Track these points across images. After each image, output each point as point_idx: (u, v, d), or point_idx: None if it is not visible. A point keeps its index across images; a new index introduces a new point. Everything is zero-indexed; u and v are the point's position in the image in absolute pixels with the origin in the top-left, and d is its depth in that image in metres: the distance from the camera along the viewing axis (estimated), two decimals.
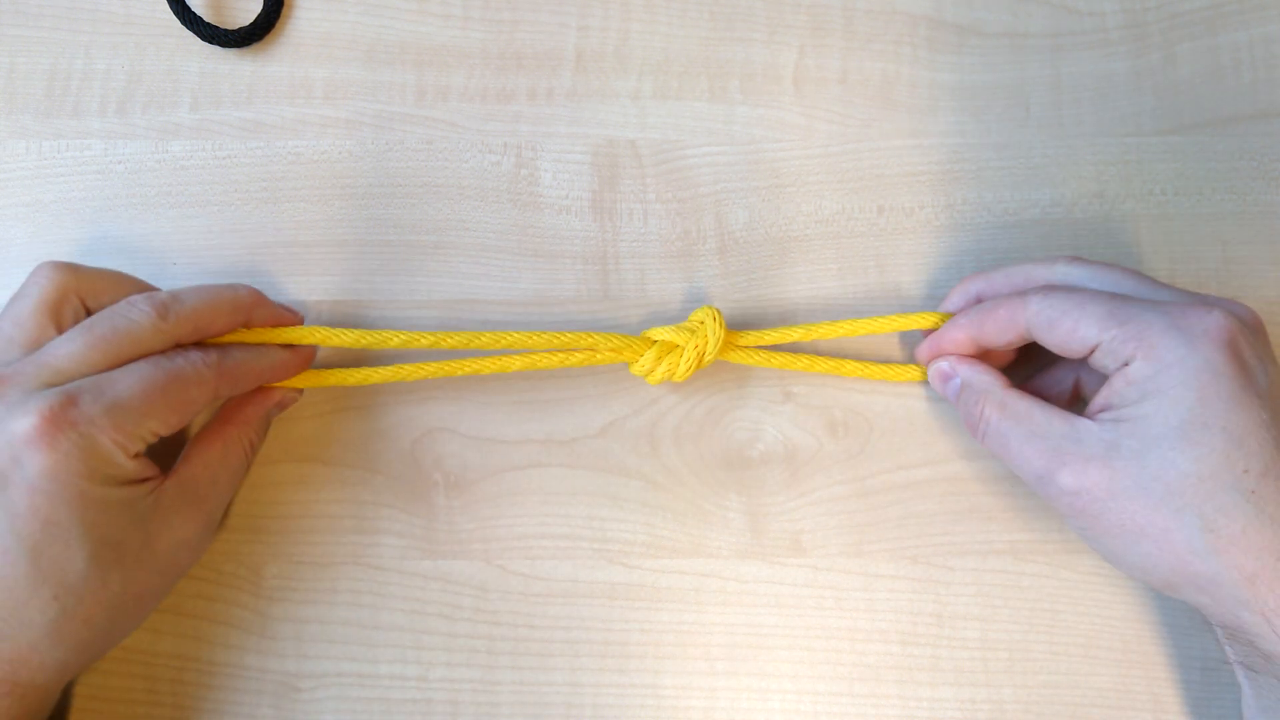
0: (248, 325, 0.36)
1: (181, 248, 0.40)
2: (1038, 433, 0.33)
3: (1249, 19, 0.42)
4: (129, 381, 0.31)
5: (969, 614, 0.38)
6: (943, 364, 0.37)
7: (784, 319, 0.40)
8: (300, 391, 0.38)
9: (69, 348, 0.31)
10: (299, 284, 0.40)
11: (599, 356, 0.37)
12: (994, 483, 0.39)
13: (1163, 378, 0.30)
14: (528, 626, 0.38)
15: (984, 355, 0.37)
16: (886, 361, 0.39)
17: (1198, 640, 0.37)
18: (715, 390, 0.39)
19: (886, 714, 0.37)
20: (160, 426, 0.32)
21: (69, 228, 0.40)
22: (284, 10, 0.41)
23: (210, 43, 0.41)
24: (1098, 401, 0.32)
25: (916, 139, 0.41)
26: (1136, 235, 0.40)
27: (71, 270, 0.33)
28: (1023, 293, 0.34)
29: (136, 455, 0.31)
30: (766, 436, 0.39)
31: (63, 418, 0.29)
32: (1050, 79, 0.41)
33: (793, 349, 0.39)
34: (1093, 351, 0.32)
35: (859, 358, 0.39)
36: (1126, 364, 0.31)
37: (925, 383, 0.39)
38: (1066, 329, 0.32)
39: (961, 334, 0.36)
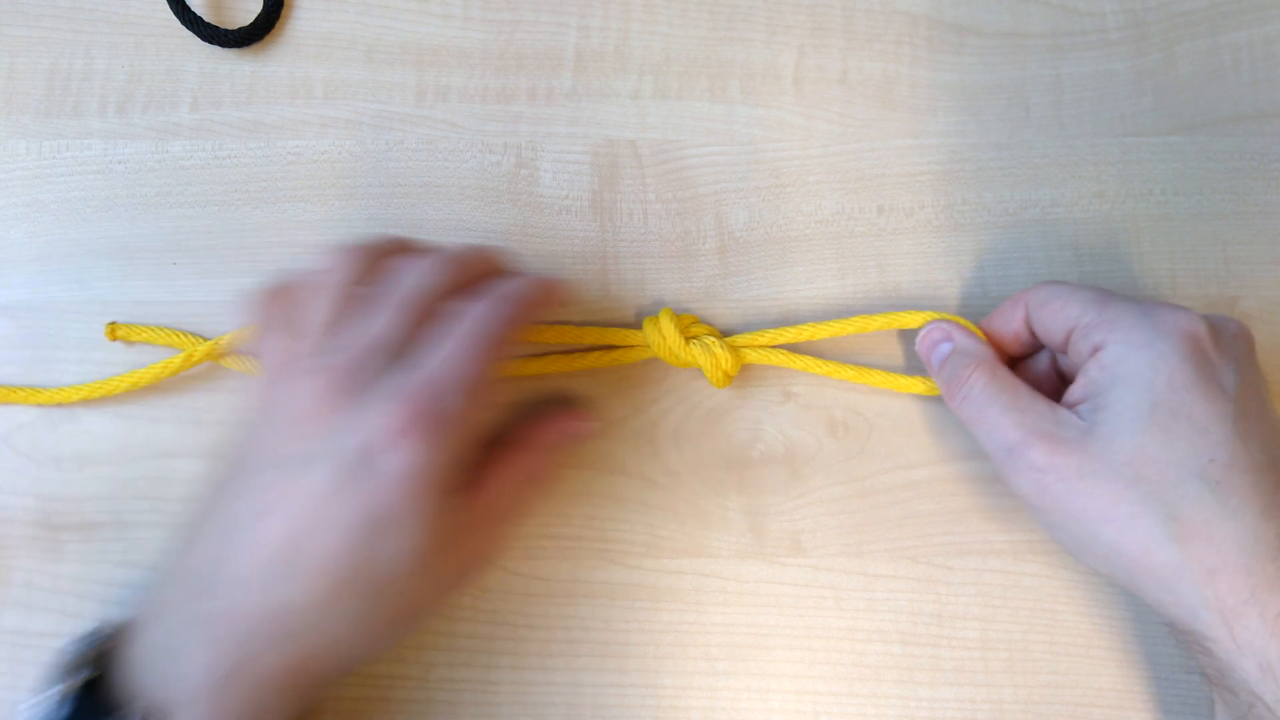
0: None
1: (181, 248, 0.40)
2: (1019, 406, 0.33)
3: (1249, 19, 0.42)
4: (461, 368, 0.30)
5: (969, 614, 0.38)
6: (941, 325, 0.37)
7: (784, 319, 0.40)
8: (598, 426, 0.38)
9: (387, 318, 0.31)
10: None
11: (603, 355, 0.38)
12: (994, 483, 0.39)
13: (1132, 361, 0.31)
14: (528, 626, 0.38)
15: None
16: (889, 369, 0.39)
17: None
18: (715, 390, 0.39)
19: (886, 714, 0.37)
20: (486, 411, 0.32)
21: (69, 228, 0.40)
22: (284, 10, 0.41)
23: (210, 43, 0.41)
24: (1075, 391, 0.33)
25: (916, 139, 0.41)
26: (1136, 235, 0.40)
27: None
28: (1021, 294, 0.36)
29: (471, 452, 0.32)
30: (766, 436, 0.39)
31: (425, 415, 0.29)
32: (1050, 79, 0.41)
33: (796, 349, 0.39)
34: (1070, 336, 0.34)
35: (861, 360, 0.39)
36: (1098, 349, 0.32)
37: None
38: (1055, 307, 0.34)
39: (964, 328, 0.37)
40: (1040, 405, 0.33)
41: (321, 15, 0.42)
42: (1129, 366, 0.31)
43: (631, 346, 0.38)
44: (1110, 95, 0.41)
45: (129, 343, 0.39)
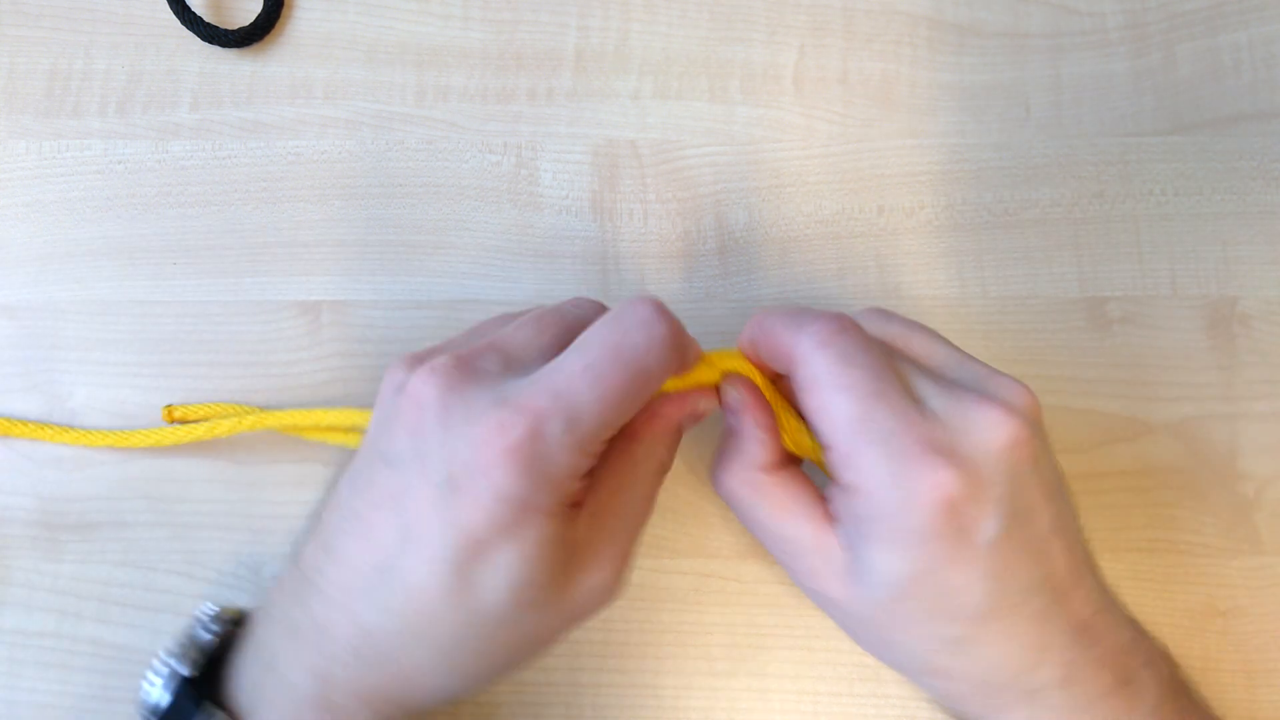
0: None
1: (181, 248, 0.40)
2: (787, 535, 0.31)
3: (1249, 19, 0.42)
4: (590, 390, 0.26)
5: None
6: (735, 394, 0.31)
7: None
8: (718, 403, 0.32)
9: (517, 325, 0.29)
10: (299, 284, 0.40)
11: None
12: None
13: (882, 527, 0.28)
14: None
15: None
16: None
17: (1197, 640, 0.37)
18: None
19: (886, 714, 0.37)
20: (613, 433, 0.28)
21: (69, 228, 0.40)
22: (284, 10, 0.42)
23: (210, 43, 0.41)
24: (833, 505, 0.30)
25: (916, 139, 0.41)
26: (1136, 235, 0.40)
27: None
28: (802, 324, 0.29)
29: (583, 475, 0.28)
30: None
31: (527, 435, 0.26)
32: (1050, 79, 0.41)
33: None
34: (826, 442, 0.29)
35: None
36: (848, 492, 0.29)
37: None
38: (814, 407, 0.29)
39: (746, 343, 0.32)
40: (806, 530, 0.30)
41: (321, 15, 0.42)
42: (878, 531, 0.28)
43: None
44: (1110, 95, 0.41)
45: (186, 422, 0.38)
